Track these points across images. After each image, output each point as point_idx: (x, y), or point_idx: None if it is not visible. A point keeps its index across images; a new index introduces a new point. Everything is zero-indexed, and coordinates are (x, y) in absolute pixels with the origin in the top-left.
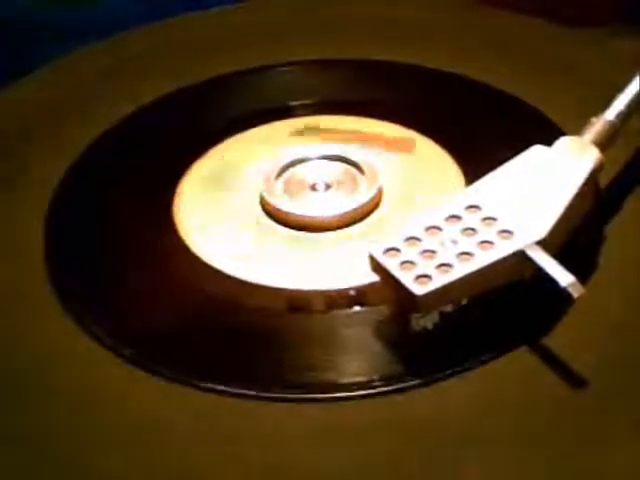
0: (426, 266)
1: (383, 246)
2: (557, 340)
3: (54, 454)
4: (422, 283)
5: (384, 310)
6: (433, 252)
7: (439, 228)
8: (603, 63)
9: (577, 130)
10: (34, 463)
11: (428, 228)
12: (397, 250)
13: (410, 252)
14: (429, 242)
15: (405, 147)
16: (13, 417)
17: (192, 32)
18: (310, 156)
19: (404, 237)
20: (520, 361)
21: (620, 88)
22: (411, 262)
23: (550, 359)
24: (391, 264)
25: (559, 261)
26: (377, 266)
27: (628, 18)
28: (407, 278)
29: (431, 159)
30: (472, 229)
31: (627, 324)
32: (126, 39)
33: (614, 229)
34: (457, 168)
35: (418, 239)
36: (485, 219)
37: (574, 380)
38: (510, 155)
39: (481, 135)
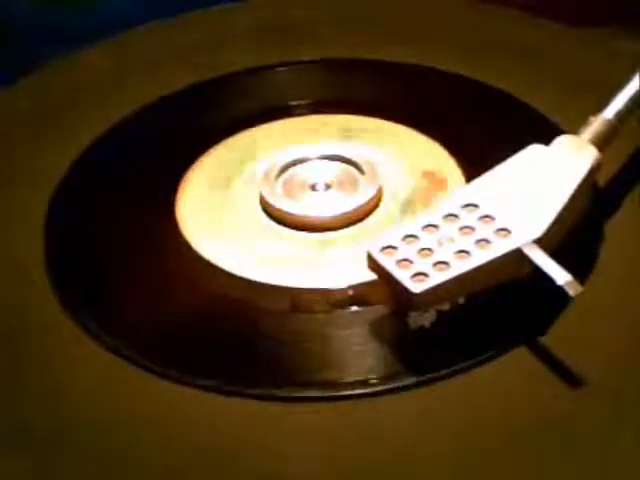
0: (423, 264)
1: (380, 244)
2: (556, 339)
3: (57, 452)
4: (419, 281)
5: (383, 309)
6: (430, 250)
7: (436, 226)
8: (603, 63)
9: (577, 130)
10: (39, 461)
11: (425, 226)
12: (394, 248)
13: (407, 250)
14: (426, 240)
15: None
16: (19, 414)
17: (192, 32)
18: (310, 156)
19: (401, 235)
20: (518, 360)
21: (620, 88)
22: (408, 260)
23: (549, 358)
24: (388, 262)
25: (558, 260)
26: (374, 264)
27: (628, 18)
28: (404, 276)
29: (432, 159)
30: (469, 227)
31: (626, 323)
32: (126, 40)
33: (613, 228)
34: (457, 168)
35: (415, 237)
36: (482, 217)
37: (573, 379)
38: (510, 155)
39: (482, 135)
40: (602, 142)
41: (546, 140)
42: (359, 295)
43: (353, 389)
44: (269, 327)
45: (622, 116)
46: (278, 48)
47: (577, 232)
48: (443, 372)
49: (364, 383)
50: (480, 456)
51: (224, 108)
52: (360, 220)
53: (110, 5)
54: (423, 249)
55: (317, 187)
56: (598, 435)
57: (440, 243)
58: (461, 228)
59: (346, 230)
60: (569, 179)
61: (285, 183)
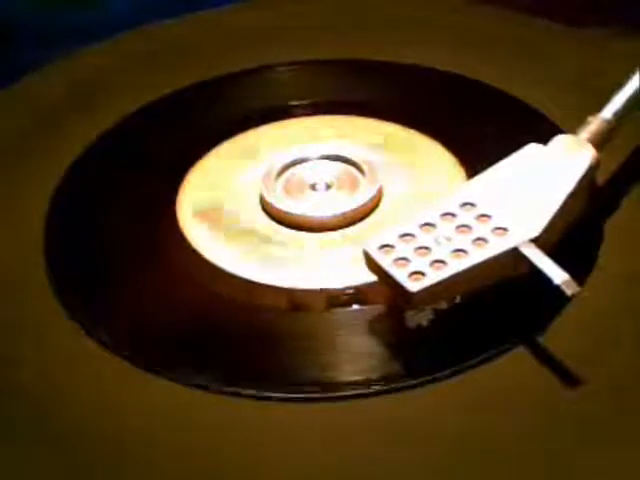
0: (420, 263)
1: (377, 243)
2: (555, 339)
3: (58, 453)
4: (416, 280)
5: (382, 309)
6: (427, 249)
7: (433, 225)
8: (603, 63)
9: (576, 129)
10: (43, 464)
11: (422, 225)
12: (391, 247)
13: (404, 249)
14: (423, 239)
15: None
16: (18, 414)
17: (192, 32)
18: (310, 156)
19: (398, 234)
20: (517, 360)
21: (619, 88)
22: (405, 259)
23: (548, 358)
24: (385, 260)
25: (556, 259)
26: (371, 263)
27: (628, 18)
28: (401, 274)
29: (431, 159)
30: (466, 226)
31: (625, 323)
32: (126, 40)
33: (612, 227)
34: (458, 167)
35: (412, 236)
36: (480, 216)
37: (573, 379)
38: (510, 154)
39: (481, 134)
40: (600, 141)
41: (545, 140)
42: (359, 295)
43: (353, 389)
44: (269, 327)
45: (620, 116)
46: (278, 48)
47: (576, 231)
48: (442, 372)
49: (364, 383)
50: (480, 456)
51: (224, 108)
52: (360, 220)
53: (110, 5)
54: (420, 248)
55: (317, 187)
56: (598, 435)
57: (437, 242)
58: (458, 227)
59: (346, 230)
60: (567, 178)
61: (285, 183)
